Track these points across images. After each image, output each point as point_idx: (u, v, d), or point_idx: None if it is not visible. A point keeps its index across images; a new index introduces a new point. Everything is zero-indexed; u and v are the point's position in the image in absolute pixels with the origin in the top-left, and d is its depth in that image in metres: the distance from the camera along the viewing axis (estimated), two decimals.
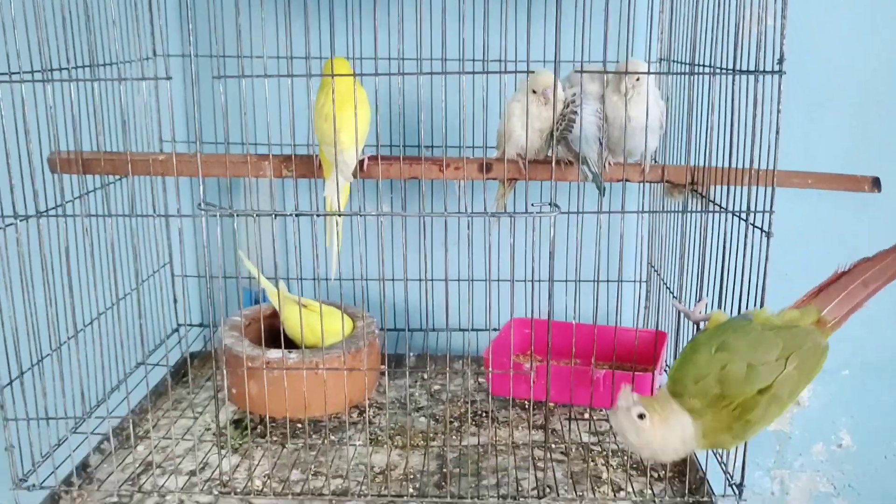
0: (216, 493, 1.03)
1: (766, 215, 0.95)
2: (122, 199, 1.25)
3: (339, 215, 1.09)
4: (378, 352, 1.30)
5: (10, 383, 1.00)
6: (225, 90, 0.95)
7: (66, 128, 1.03)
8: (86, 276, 1.05)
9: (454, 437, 1.18)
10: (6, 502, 1.01)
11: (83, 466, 1.08)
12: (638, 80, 1.11)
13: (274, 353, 1.16)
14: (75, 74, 1.01)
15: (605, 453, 1.14)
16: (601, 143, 1.11)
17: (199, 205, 0.96)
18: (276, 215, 0.99)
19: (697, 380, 0.86)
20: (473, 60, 1.12)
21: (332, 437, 1.17)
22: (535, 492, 1.04)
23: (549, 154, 1.19)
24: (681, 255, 1.13)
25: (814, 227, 1.48)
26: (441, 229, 1.32)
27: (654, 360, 1.24)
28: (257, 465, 1.10)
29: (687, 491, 1.04)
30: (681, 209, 1.18)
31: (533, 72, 1.10)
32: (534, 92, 1.12)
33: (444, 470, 1.09)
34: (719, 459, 1.05)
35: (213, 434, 1.18)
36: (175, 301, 1.45)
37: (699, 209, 1.09)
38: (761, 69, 0.92)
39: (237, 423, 1.20)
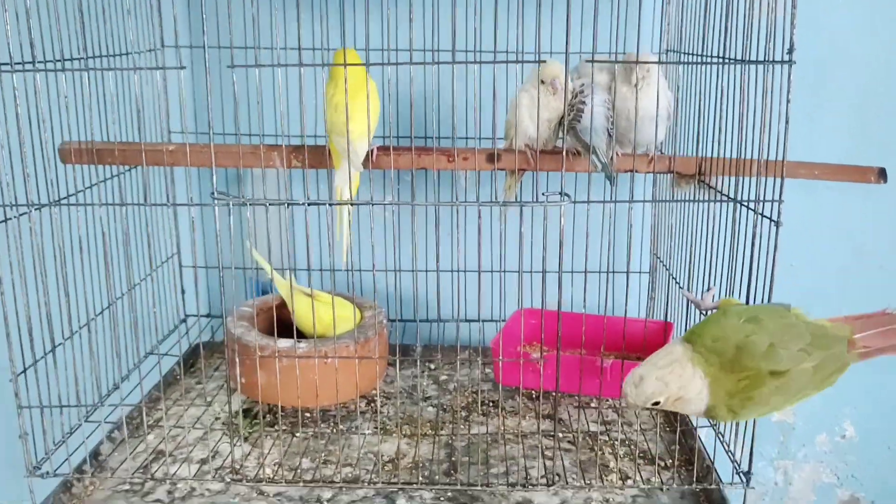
0: (227, 480, 1.04)
1: (775, 205, 0.95)
2: (132, 190, 1.26)
3: (351, 204, 1.10)
4: (386, 342, 1.31)
5: (24, 371, 1.00)
6: (234, 81, 0.96)
7: (77, 118, 1.04)
8: (98, 266, 1.06)
9: (462, 426, 1.19)
10: (20, 489, 1.02)
11: (95, 454, 1.09)
12: (648, 70, 1.11)
13: (284, 343, 1.17)
14: (87, 65, 1.02)
15: (612, 442, 1.15)
16: (610, 134, 1.11)
17: (212, 194, 0.97)
18: (288, 204, 1.00)
19: (717, 339, 0.86)
20: (483, 51, 1.12)
21: (342, 426, 1.18)
22: (544, 479, 1.05)
23: (558, 144, 1.20)
24: (690, 245, 1.13)
25: (819, 220, 1.48)
26: (448, 220, 1.33)
27: None
28: (268, 453, 1.11)
29: (694, 479, 1.05)
30: (690, 199, 1.19)
31: (543, 62, 1.10)
32: (542, 82, 1.12)
33: (453, 458, 1.10)
34: (726, 448, 1.06)
35: (223, 423, 1.18)
36: (183, 292, 1.46)
37: (708, 199, 1.10)
38: (770, 59, 0.93)
39: (247, 413, 1.21)
